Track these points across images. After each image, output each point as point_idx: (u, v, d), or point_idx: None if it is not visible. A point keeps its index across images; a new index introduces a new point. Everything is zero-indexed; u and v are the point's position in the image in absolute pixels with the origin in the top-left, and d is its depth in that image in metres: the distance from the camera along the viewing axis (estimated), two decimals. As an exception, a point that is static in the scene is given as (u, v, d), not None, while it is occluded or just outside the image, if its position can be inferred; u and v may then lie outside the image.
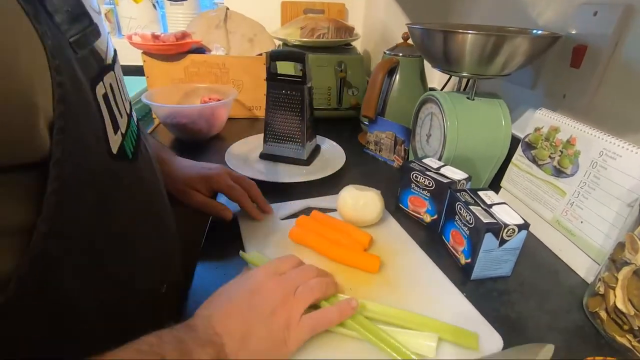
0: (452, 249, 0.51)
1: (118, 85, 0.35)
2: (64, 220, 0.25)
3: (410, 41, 0.80)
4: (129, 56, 1.00)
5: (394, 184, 0.69)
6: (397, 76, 0.79)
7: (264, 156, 0.75)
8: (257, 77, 0.99)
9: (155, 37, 0.91)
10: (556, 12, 0.60)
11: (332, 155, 0.78)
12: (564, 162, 0.53)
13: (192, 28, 1.08)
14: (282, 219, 0.56)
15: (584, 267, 0.48)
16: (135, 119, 0.39)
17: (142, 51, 0.93)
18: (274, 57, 0.69)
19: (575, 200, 0.50)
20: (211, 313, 0.33)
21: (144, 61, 0.94)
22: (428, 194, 0.56)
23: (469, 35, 0.52)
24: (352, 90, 0.99)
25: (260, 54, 1.02)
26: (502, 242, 0.44)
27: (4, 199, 0.22)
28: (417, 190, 0.57)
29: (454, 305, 0.41)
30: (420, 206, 0.57)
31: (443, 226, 0.54)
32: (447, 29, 0.54)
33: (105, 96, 0.30)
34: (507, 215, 0.45)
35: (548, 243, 0.54)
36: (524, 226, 0.44)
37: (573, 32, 0.55)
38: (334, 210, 0.56)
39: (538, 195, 0.56)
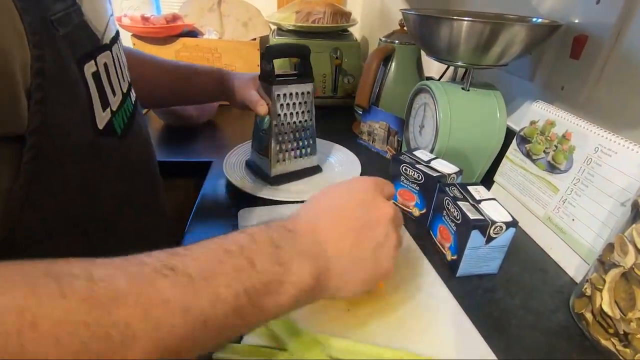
0: (439, 244, 0.50)
1: (115, 65, 0.36)
2: (41, 188, 0.25)
3: (407, 28, 0.77)
4: (119, 39, 0.97)
5: (386, 175, 0.67)
6: (393, 64, 0.77)
7: (275, 180, 0.62)
8: (251, 63, 0.96)
9: (145, 19, 0.88)
10: (558, 0, 0.57)
11: (342, 164, 0.69)
12: (558, 157, 0.51)
13: (185, 11, 1.05)
14: None
15: (574, 266, 0.47)
16: (132, 99, 0.41)
17: (131, 34, 0.90)
18: (272, 53, 0.57)
19: (567, 197, 0.49)
20: (318, 218, 0.29)
21: (134, 44, 0.91)
22: (417, 188, 0.54)
23: (464, 22, 0.49)
24: (348, 78, 0.97)
25: (254, 39, 1.00)
26: (489, 239, 0.43)
27: None
28: (406, 184, 0.56)
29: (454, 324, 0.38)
30: (410, 200, 0.56)
31: (431, 221, 0.52)
32: (441, 15, 0.51)
33: (96, 74, 0.31)
34: (495, 212, 0.44)
35: (538, 240, 0.53)
36: (512, 224, 0.43)
37: (575, 21, 0.53)
38: None
39: (531, 190, 0.55)
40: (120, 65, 0.38)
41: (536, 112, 0.56)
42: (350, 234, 0.29)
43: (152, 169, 0.44)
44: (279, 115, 0.59)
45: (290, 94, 0.60)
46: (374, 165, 0.73)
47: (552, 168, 0.51)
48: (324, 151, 0.73)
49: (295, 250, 0.26)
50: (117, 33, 0.40)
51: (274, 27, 1.05)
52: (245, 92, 0.62)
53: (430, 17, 0.52)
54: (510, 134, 0.60)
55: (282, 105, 0.59)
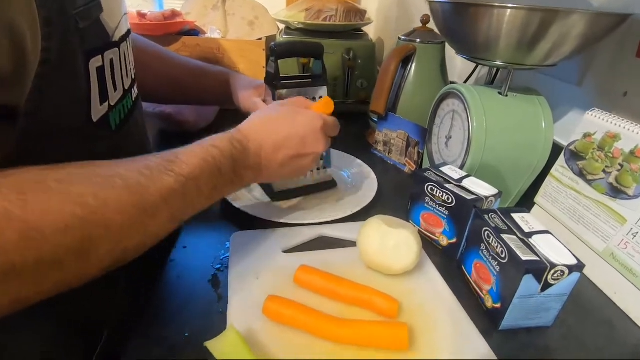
0: (474, 285, 0.40)
1: (121, 62, 0.38)
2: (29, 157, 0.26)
3: (430, 25, 0.68)
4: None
5: (403, 192, 0.58)
6: (413, 66, 0.68)
7: (278, 195, 0.54)
8: (256, 64, 0.88)
9: (142, 15, 0.81)
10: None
11: (356, 180, 0.60)
12: (624, 179, 0.41)
13: (187, 8, 0.98)
14: (285, 252, 0.44)
15: (650, 319, 0.37)
16: (133, 96, 0.42)
17: (127, 31, 0.83)
18: (278, 53, 0.49)
19: (639, 230, 0.39)
20: (261, 143, 0.40)
21: (129, 42, 0.84)
22: (446, 212, 0.45)
23: (508, 10, 0.40)
24: (361, 81, 0.88)
25: (260, 39, 0.92)
26: (546, 286, 0.33)
27: None
28: (432, 206, 0.46)
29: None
30: (436, 226, 0.46)
31: (464, 254, 0.43)
32: (479, 3, 0.42)
33: (100, 69, 0.33)
34: (552, 250, 0.34)
35: (598, 281, 0.43)
36: (577, 267, 0.33)
37: (643, 12, 0.43)
38: (353, 244, 0.44)
39: (585, 218, 0.45)
40: (125, 62, 0.39)
41: (591, 123, 0.46)
42: (285, 158, 0.41)
43: None
44: None
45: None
46: (391, 180, 0.64)
47: (616, 192, 0.41)
48: (336, 163, 0.64)
49: (244, 164, 0.38)
50: (128, 31, 0.42)
51: (281, 26, 0.97)
52: (248, 99, 0.56)
53: (465, 5, 0.43)
54: (554, 148, 0.51)
55: None
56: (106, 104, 0.34)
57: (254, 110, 0.54)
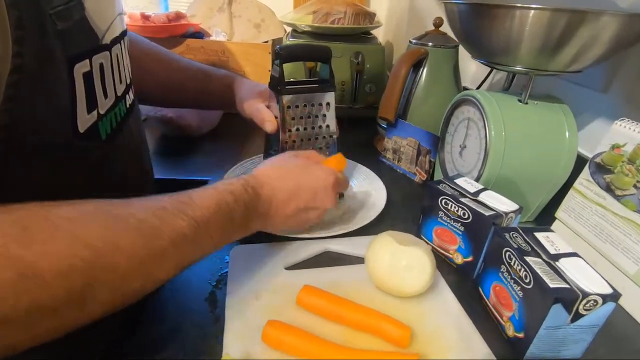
0: (493, 309, 0.37)
1: (113, 67, 0.35)
2: (4, 184, 0.25)
3: (442, 28, 0.65)
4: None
5: (414, 203, 0.55)
6: (425, 71, 0.64)
7: None
8: (261, 67, 0.86)
9: (145, 17, 0.79)
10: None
11: (364, 190, 0.57)
12: (659, 195, 0.37)
13: (192, 11, 0.96)
14: (288, 268, 0.41)
15: (691, 353, 0.33)
16: (126, 103, 0.39)
17: (130, 33, 0.81)
18: (283, 56, 0.47)
19: (676, 253, 0.35)
20: (274, 192, 0.38)
21: (133, 45, 0.82)
22: (462, 228, 0.41)
23: (532, 11, 0.37)
24: (370, 86, 0.85)
25: (266, 41, 0.89)
26: (577, 317, 0.30)
27: None
28: (446, 221, 0.43)
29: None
30: (450, 242, 0.43)
31: (481, 275, 0.40)
32: (499, 3, 0.39)
33: (88, 74, 0.30)
34: (583, 275, 0.31)
35: (631, 308, 0.39)
36: (613, 297, 0.29)
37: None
38: (360, 260, 0.41)
39: (613, 237, 0.41)
40: (119, 67, 0.37)
41: (620, 133, 0.43)
42: (294, 210, 0.40)
43: (143, 179, 0.43)
44: (290, 131, 0.48)
45: (305, 105, 0.49)
46: (400, 189, 0.61)
47: (650, 210, 0.38)
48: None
49: (255, 212, 0.37)
50: (123, 33, 0.39)
51: (288, 28, 0.95)
52: (251, 105, 0.53)
53: (484, 6, 0.40)
54: (577, 160, 0.47)
55: (293, 119, 0.48)
56: (95, 112, 0.32)
57: (257, 117, 0.51)
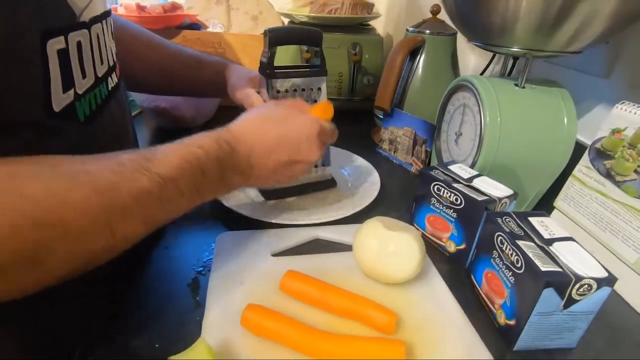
0: (485, 298, 0.35)
1: (92, 47, 0.34)
2: None
3: (440, 16, 0.64)
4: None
5: (409, 194, 0.53)
6: (422, 59, 0.63)
7: (272, 194, 0.50)
8: (258, 59, 0.84)
9: (141, 8, 0.79)
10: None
11: (357, 180, 0.56)
12: (661, 180, 0.36)
13: (190, 3, 0.95)
14: (275, 255, 0.40)
15: (693, 343, 0.32)
16: (108, 86, 0.38)
17: (126, 24, 0.81)
18: (275, 40, 0.45)
19: (679, 239, 0.34)
20: (252, 146, 0.36)
21: (129, 36, 0.82)
22: (454, 215, 0.40)
23: (528, -12, 0.36)
24: (368, 77, 0.83)
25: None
26: (570, 302, 0.28)
27: None
28: (438, 208, 0.42)
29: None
30: (442, 230, 0.42)
31: (474, 262, 0.38)
32: (494, -19, 0.38)
33: (63, 51, 0.29)
34: (577, 259, 0.29)
35: (630, 298, 0.37)
36: (608, 281, 0.28)
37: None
38: (350, 248, 0.38)
39: (614, 224, 0.39)
40: (99, 47, 0.35)
41: (620, 117, 0.41)
42: (277, 164, 0.38)
43: None
44: None
45: (295, 89, 0.48)
46: (396, 180, 0.59)
47: (651, 195, 0.36)
48: (336, 161, 0.59)
49: (232, 167, 0.35)
50: (106, 13, 0.38)
51: (286, 20, 0.94)
52: (241, 90, 0.52)
53: (478, -15, 0.39)
54: (577, 146, 0.46)
55: None
56: (71, 92, 0.31)
57: (246, 102, 0.50)
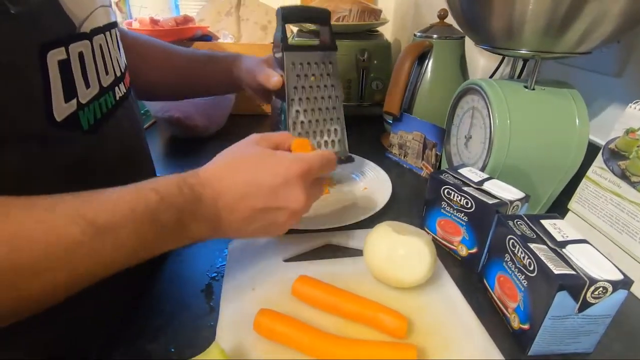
0: (498, 301, 0.35)
1: (95, 57, 0.34)
2: None
3: (447, 20, 0.64)
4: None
5: (420, 198, 0.53)
6: (430, 63, 0.63)
7: None
8: (268, 68, 0.87)
9: (154, 21, 0.81)
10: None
11: (370, 185, 0.56)
12: (678, 180, 0.35)
13: (201, 15, 0.98)
14: (287, 260, 0.40)
15: None
16: (116, 96, 0.38)
17: (140, 38, 0.83)
18: (286, 16, 0.48)
19: (698, 240, 0.33)
20: (220, 191, 0.32)
21: (143, 49, 0.84)
22: (465, 218, 0.40)
23: (534, -10, 0.36)
24: (377, 83, 0.84)
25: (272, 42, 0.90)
26: (585, 305, 0.28)
27: None
28: (449, 212, 0.41)
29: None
30: (454, 234, 0.42)
31: (485, 266, 0.38)
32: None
33: (65, 62, 0.29)
34: (591, 262, 0.29)
35: (649, 301, 0.36)
36: (624, 284, 0.27)
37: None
38: (361, 252, 0.38)
39: (630, 226, 0.39)
40: (103, 58, 0.36)
41: (635, 117, 0.40)
42: (251, 212, 0.33)
43: (137, 176, 0.38)
44: (295, 88, 0.49)
45: (308, 63, 0.50)
46: (406, 185, 0.59)
47: (668, 195, 0.36)
48: (346, 166, 0.60)
49: (194, 216, 0.31)
50: (110, 25, 0.38)
51: (295, 29, 0.95)
52: (255, 70, 0.54)
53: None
54: (590, 147, 0.45)
55: (298, 76, 0.49)
56: (74, 101, 0.31)
57: (261, 77, 0.51)
